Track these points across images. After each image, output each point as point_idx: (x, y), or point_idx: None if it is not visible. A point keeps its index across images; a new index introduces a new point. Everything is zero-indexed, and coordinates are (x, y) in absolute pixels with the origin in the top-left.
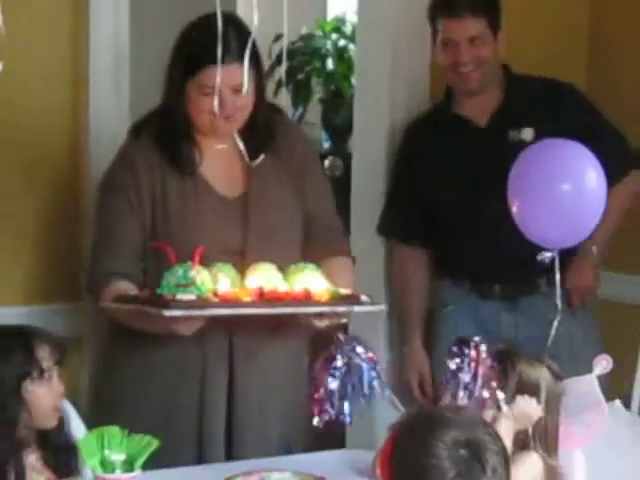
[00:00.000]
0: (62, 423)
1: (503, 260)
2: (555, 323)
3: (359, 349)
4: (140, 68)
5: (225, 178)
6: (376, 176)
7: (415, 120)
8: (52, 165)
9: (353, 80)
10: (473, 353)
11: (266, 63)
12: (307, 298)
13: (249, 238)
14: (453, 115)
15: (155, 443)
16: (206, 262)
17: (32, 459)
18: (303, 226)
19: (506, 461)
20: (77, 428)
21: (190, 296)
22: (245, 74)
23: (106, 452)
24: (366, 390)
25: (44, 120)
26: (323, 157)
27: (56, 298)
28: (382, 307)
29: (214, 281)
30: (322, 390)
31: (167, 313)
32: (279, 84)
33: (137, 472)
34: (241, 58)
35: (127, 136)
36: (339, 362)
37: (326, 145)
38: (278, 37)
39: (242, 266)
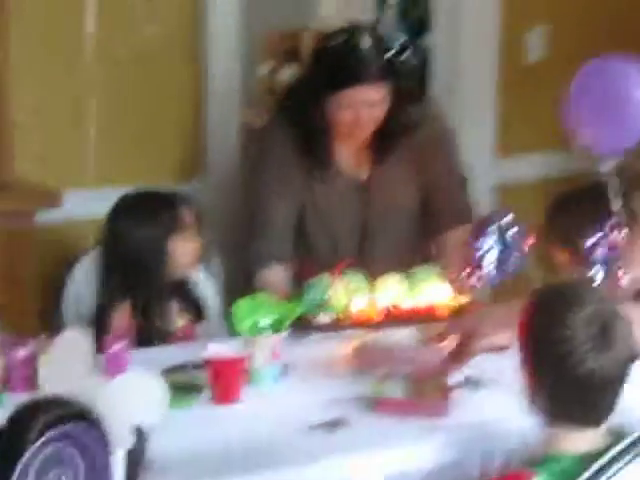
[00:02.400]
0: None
1: None
2: None
3: (507, 219)
4: None
5: (355, 165)
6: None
7: None
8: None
9: None
10: (610, 231)
11: None
12: (429, 315)
13: (370, 214)
14: None
15: (299, 309)
16: (339, 236)
17: (172, 305)
18: (426, 203)
19: (630, 333)
20: (205, 282)
21: (326, 318)
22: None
23: (256, 317)
24: (510, 258)
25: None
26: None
27: (183, 177)
28: None
29: (347, 294)
30: (474, 252)
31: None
32: None
33: (284, 333)
34: (379, 78)
35: (268, 127)
36: (493, 226)
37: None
38: None
39: (364, 236)
